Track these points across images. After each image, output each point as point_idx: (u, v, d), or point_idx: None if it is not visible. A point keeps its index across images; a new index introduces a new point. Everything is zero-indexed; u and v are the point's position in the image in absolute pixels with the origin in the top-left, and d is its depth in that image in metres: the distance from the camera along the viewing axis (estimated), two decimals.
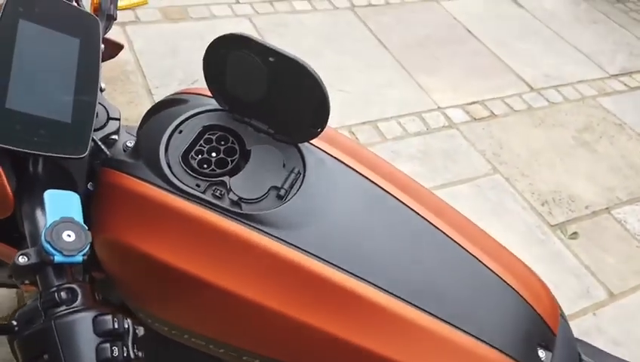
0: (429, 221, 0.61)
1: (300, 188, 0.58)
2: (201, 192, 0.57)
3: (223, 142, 0.61)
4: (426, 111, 2.33)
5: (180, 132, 0.61)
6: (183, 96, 0.66)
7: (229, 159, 0.60)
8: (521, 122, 2.38)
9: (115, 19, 0.77)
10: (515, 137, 2.28)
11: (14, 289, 1.48)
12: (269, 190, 0.58)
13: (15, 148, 0.51)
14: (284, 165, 0.60)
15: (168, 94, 0.70)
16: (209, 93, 0.65)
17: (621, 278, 1.82)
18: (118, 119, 0.67)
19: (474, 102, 2.42)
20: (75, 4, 0.64)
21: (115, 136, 0.67)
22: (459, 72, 2.57)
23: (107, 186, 0.60)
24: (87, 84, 0.58)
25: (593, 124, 2.45)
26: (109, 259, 0.60)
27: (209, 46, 0.58)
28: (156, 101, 0.68)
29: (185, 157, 0.59)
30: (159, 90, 2.10)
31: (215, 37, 0.58)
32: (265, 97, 0.59)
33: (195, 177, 0.58)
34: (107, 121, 0.65)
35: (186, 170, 0.58)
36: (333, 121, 2.11)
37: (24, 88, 0.53)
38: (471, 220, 0.68)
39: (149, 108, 0.68)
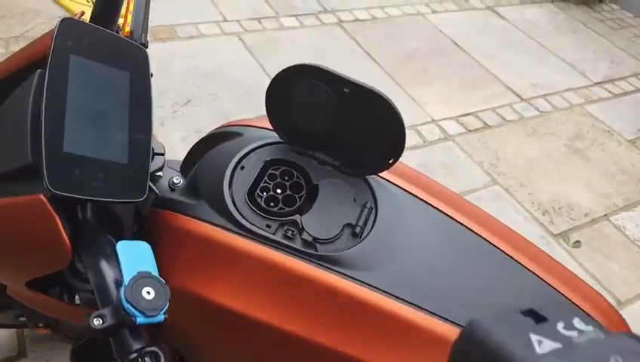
0: (505, 252, 0.59)
1: (374, 224, 0.55)
2: (272, 233, 0.53)
3: (287, 178, 0.57)
4: (421, 125, 2.33)
5: (242, 168, 0.57)
6: (235, 129, 0.62)
7: (296, 196, 0.56)
8: (515, 132, 2.40)
9: (147, 47, 0.73)
10: (511, 147, 2.30)
11: (14, 329, 1.40)
12: (343, 228, 0.54)
13: (77, 197, 0.46)
14: (354, 200, 0.56)
15: (216, 127, 0.66)
16: (262, 125, 0.61)
17: (626, 285, 1.83)
18: (163, 154, 0.63)
19: (467, 114, 2.43)
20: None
21: (160, 173, 0.63)
22: (449, 84, 2.58)
23: (163, 228, 0.56)
24: (140, 121, 0.54)
25: (583, 131, 2.49)
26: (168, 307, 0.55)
27: (276, 76, 0.54)
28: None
29: (250, 195, 0.55)
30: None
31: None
32: (331, 128, 0.56)
33: (265, 217, 0.54)
34: (152, 157, 0.61)
35: (253, 210, 0.54)
36: None
37: (80, 129, 0.49)
38: (536, 246, 0.66)
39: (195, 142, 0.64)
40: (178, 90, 2.16)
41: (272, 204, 0.55)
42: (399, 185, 0.60)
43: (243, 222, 0.52)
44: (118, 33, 0.64)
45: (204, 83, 2.22)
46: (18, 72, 0.56)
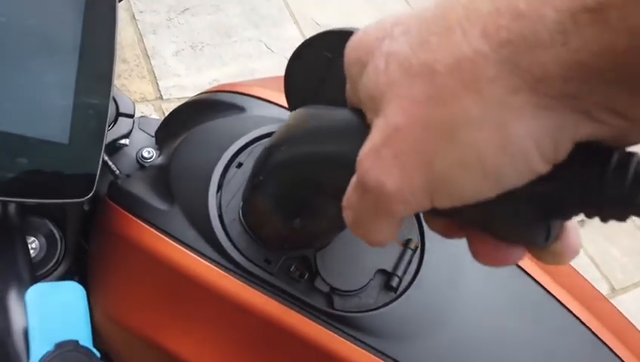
0: (600, 337, 0.42)
1: (418, 272, 0.40)
2: (271, 273, 0.37)
3: None
4: None
5: (239, 165, 0.39)
6: (235, 99, 0.44)
7: None
8: None
9: None
10: None
11: None
12: (374, 275, 0.39)
13: None
14: None
15: (207, 90, 0.48)
16: (272, 98, 0.44)
17: (624, 272, 1.76)
18: (132, 116, 0.45)
19: None
20: None
21: (125, 141, 0.46)
22: None
23: (115, 232, 0.40)
24: (95, 74, 0.37)
25: None
26: (116, 344, 0.41)
27: (306, 42, 0.36)
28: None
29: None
30: (144, 15, 1.81)
31: None
32: None
33: (264, 246, 0.38)
34: (116, 119, 0.44)
35: (248, 234, 0.38)
36: None
37: None
38: None
39: (173, 108, 0.46)
40: None
41: None
42: None
43: (230, 251, 0.36)
44: None
45: None
46: None
